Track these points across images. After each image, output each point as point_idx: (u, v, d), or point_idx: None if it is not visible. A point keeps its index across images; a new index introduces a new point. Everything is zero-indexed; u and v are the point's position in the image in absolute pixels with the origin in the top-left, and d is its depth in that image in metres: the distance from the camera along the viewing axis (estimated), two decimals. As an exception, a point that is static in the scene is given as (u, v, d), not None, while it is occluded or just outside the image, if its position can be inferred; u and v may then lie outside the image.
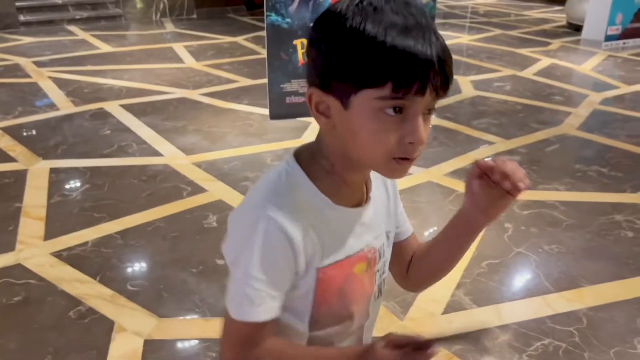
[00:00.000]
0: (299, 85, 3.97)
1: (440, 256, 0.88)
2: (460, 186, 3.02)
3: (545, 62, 5.92)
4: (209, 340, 1.89)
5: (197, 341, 1.90)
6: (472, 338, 0.85)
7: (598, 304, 2.12)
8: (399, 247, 0.91)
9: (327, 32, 0.67)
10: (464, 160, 3.37)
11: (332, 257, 0.75)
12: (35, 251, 2.39)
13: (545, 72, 5.50)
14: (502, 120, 4.15)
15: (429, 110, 0.68)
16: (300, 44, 3.88)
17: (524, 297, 2.16)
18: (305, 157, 0.75)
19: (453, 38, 7.10)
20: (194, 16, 8.26)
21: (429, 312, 2.06)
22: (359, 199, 0.79)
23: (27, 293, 2.13)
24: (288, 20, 3.80)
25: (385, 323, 1.98)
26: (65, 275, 2.22)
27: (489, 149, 3.58)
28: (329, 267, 0.75)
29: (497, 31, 7.67)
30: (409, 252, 0.93)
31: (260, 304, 0.70)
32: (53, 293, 2.12)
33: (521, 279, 2.30)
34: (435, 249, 0.89)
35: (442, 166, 3.30)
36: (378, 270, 0.84)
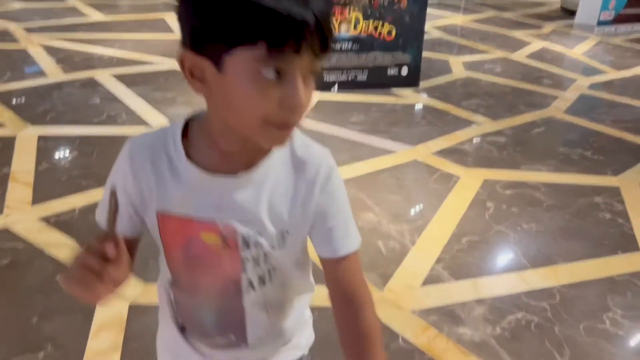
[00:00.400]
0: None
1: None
2: (445, 165, 3.07)
3: (536, 45, 5.94)
4: (192, 305, 1.94)
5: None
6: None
7: (572, 282, 2.19)
8: (323, 263, 0.80)
9: None
10: (450, 140, 3.42)
11: (171, 207, 0.74)
12: (22, 216, 2.41)
13: (537, 55, 5.52)
14: (490, 101, 4.19)
15: (309, 72, 0.64)
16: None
17: (501, 273, 2.23)
18: (194, 117, 0.76)
19: (447, 18, 7.08)
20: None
21: (407, 284, 2.12)
22: (232, 172, 0.73)
23: (14, 257, 2.15)
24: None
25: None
26: (53, 240, 2.25)
27: (475, 129, 3.62)
28: (169, 217, 0.75)
29: (491, 13, 7.66)
30: (330, 277, 0.80)
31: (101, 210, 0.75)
32: (40, 257, 2.15)
33: (499, 255, 2.36)
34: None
35: (428, 144, 3.34)
36: (249, 259, 0.77)
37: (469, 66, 5.02)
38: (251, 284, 0.79)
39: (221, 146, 0.71)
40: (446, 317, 1.96)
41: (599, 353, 1.85)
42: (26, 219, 2.39)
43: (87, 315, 1.88)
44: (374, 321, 0.80)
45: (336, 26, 3.98)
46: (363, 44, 4.10)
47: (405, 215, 2.59)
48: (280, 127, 0.65)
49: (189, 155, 0.73)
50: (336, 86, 4.15)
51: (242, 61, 0.61)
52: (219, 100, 0.66)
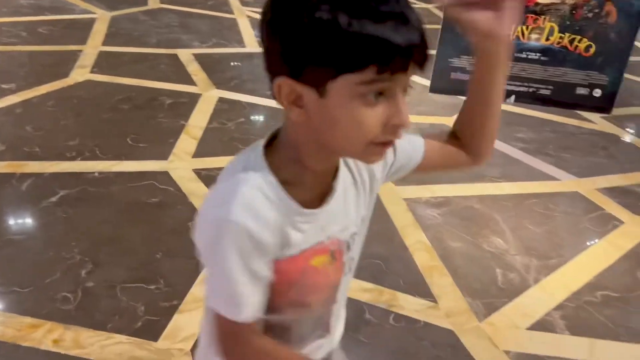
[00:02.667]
0: (468, 62, 3.81)
1: (478, 103, 0.82)
2: (609, 206, 2.71)
3: None
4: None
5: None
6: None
7: None
8: (429, 161, 0.85)
9: (295, 12, 0.60)
10: (627, 179, 2.99)
11: (285, 251, 0.72)
12: (182, 164, 2.73)
13: None
14: (698, 145, 3.54)
15: (405, 89, 0.64)
16: (479, 20, 3.70)
17: (630, 342, 1.92)
18: (273, 148, 0.72)
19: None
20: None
21: (512, 322, 1.94)
22: (324, 189, 0.75)
23: (164, 197, 2.47)
24: (472, -7, 3.63)
25: (463, 318, 1.93)
26: (197, 191, 2.52)
27: (664, 173, 3.11)
28: (282, 261, 0.72)
29: None
30: (443, 149, 0.86)
31: (246, 305, 0.70)
32: (183, 202, 2.44)
33: (636, 322, 2.02)
34: (470, 100, 0.83)
35: (598, 179, 2.97)
36: (347, 260, 0.81)
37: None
38: (344, 275, 0.83)
39: (314, 169, 0.71)
40: None
41: None
42: (184, 168, 2.71)
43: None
44: None
45: (526, 34, 3.71)
46: (553, 56, 3.75)
47: (540, 249, 2.36)
48: (385, 145, 0.67)
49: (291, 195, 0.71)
50: (513, 97, 3.87)
51: (348, 86, 0.61)
52: (320, 125, 0.66)
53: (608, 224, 2.57)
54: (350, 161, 0.78)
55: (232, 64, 4.19)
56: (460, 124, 0.86)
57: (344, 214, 0.77)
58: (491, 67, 0.77)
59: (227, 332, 0.73)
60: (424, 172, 0.88)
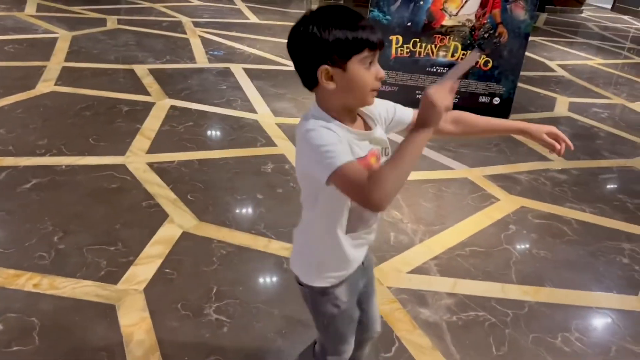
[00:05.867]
0: (387, 75, 4.45)
1: (482, 133, 1.52)
2: (491, 188, 3.35)
3: (667, 98, 5.68)
4: (224, 242, 2.55)
5: (216, 241, 2.57)
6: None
7: (547, 302, 2.41)
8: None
9: (323, 34, 1.12)
10: (510, 169, 3.65)
11: (357, 154, 1.19)
12: (137, 159, 3.23)
13: (659, 108, 5.32)
14: (575, 142, 4.16)
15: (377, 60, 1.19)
16: (395, 40, 4.35)
17: (485, 280, 2.52)
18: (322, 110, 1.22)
19: (580, 59, 6.97)
20: (341, 2, 8.95)
21: (396, 268, 2.52)
22: (361, 124, 1.26)
23: (121, 184, 2.96)
24: (388, 17, 4.29)
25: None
26: (150, 179, 3.03)
27: (542, 164, 3.79)
28: (358, 160, 1.14)
29: (637, 59, 7.33)
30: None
31: (340, 153, 1.08)
32: (137, 188, 2.93)
33: (492, 267, 2.62)
34: (474, 130, 1.48)
35: (486, 169, 3.62)
36: (383, 163, 1.26)
37: (575, 107, 5.05)
38: None
39: (343, 120, 1.20)
40: (414, 298, 2.34)
41: (534, 359, 2.09)
42: (138, 162, 3.20)
43: (152, 231, 2.58)
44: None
45: (435, 51, 4.38)
46: (458, 70, 4.43)
47: (428, 219, 2.96)
48: (374, 90, 1.19)
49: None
50: (427, 105, 4.53)
51: (357, 61, 1.14)
52: (344, 89, 1.15)
53: (486, 201, 3.21)
54: (371, 110, 1.30)
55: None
56: (458, 130, 1.45)
57: (374, 136, 1.27)
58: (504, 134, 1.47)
59: (350, 183, 1.06)
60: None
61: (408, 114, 1.38)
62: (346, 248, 1.32)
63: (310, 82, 1.19)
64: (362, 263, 1.42)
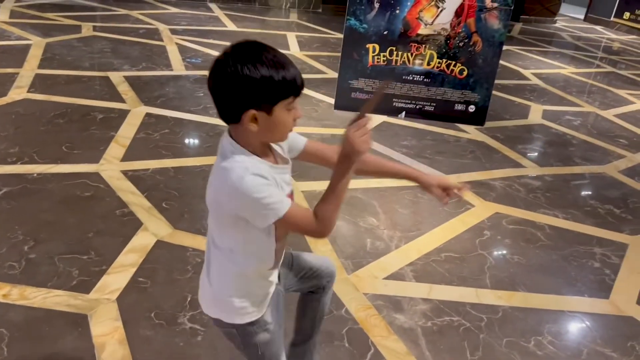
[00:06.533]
0: (365, 83, 4.49)
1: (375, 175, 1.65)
2: (467, 195, 3.38)
3: (638, 106, 5.82)
4: (199, 250, 2.53)
5: (191, 249, 2.55)
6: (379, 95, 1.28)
7: (521, 306, 2.44)
8: (307, 153, 1.44)
9: (253, 78, 1.12)
10: (485, 175, 3.70)
11: (284, 190, 1.26)
12: (111, 167, 3.19)
13: (629, 116, 5.45)
14: (548, 149, 4.34)
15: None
16: (372, 48, 4.39)
17: (460, 285, 2.54)
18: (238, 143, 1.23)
19: (554, 67, 7.11)
20: (319, 10, 9.01)
21: (373, 274, 2.52)
22: (272, 157, 1.29)
23: (95, 192, 2.92)
24: (365, 25, 4.33)
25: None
26: (124, 187, 2.99)
27: (516, 170, 3.85)
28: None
29: (609, 68, 7.50)
30: (315, 151, 1.45)
31: (281, 199, 1.17)
32: (111, 196, 2.90)
33: (467, 272, 2.65)
34: (374, 172, 1.56)
35: (461, 175, 3.65)
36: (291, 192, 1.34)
37: (549, 115, 5.15)
38: None
39: (261, 154, 1.24)
40: (390, 304, 2.35)
41: (508, 362, 2.12)
42: (112, 169, 3.17)
43: (126, 239, 2.55)
44: None
45: (411, 60, 4.43)
46: (434, 78, 4.49)
47: (404, 225, 2.98)
48: (291, 131, 1.25)
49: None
50: (403, 113, 4.57)
51: (282, 107, 1.17)
52: (265, 130, 1.18)
53: (462, 207, 3.24)
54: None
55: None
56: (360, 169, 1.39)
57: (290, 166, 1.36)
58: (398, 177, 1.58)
59: (301, 221, 1.21)
60: (306, 159, 1.46)
61: (300, 141, 1.44)
62: (269, 282, 1.40)
63: (231, 118, 1.20)
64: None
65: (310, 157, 1.47)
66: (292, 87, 1.17)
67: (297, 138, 1.43)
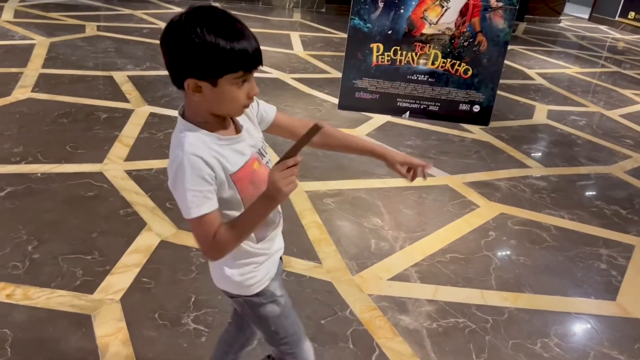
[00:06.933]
0: (369, 83, 4.47)
1: (340, 149, 1.53)
2: (471, 195, 3.36)
3: (643, 106, 5.79)
4: (203, 251, 2.52)
5: (194, 249, 2.54)
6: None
7: (527, 308, 2.42)
8: (277, 126, 1.40)
9: (197, 44, 1.04)
10: (490, 175, 3.68)
11: (237, 166, 1.19)
12: (115, 166, 3.19)
13: (634, 116, 5.42)
14: (553, 150, 4.31)
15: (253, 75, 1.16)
16: (376, 48, 4.37)
17: (465, 286, 2.52)
18: (187, 119, 1.17)
19: (559, 67, 7.08)
20: (323, 10, 8.99)
21: (377, 275, 2.51)
22: (231, 127, 1.23)
23: (98, 192, 2.91)
24: (369, 25, 4.31)
25: (340, 273, 2.48)
26: (128, 187, 2.98)
27: (521, 171, 3.82)
28: (238, 172, 1.19)
29: (614, 68, 7.46)
30: (285, 125, 1.41)
31: (201, 203, 1.11)
32: (115, 196, 2.89)
33: (472, 273, 2.63)
34: (336, 146, 1.50)
35: (466, 176, 3.63)
36: (268, 162, 1.30)
37: (554, 115, 5.12)
38: None
39: (213, 124, 1.17)
40: (395, 305, 2.33)
41: (514, 364, 2.10)
42: (116, 169, 3.16)
43: (130, 239, 2.54)
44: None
45: (415, 59, 4.41)
46: (439, 78, 4.47)
47: (408, 226, 2.96)
48: (246, 107, 1.17)
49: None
50: (408, 113, 4.56)
51: (229, 80, 1.09)
52: (212, 102, 1.11)
53: (467, 207, 3.22)
54: (252, 110, 1.32)
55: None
56: (319, 140, 1.39)
57: (250, 137, 1.26)
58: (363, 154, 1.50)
59: (201, 232, 1.14)
60: (276, 133, 1.41)
61: (270, 111, 1.38)
62: (262, 256, 1.34)
63: (176, 83, 1.15)
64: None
65: (280, 131, 1.42)
66: (242, 61, 1.08)
67: (267, 110, 1.37)
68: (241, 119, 1.28)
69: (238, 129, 1.25)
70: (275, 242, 1.39)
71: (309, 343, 1.49)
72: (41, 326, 2.00)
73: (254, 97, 1.21)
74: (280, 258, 1.45)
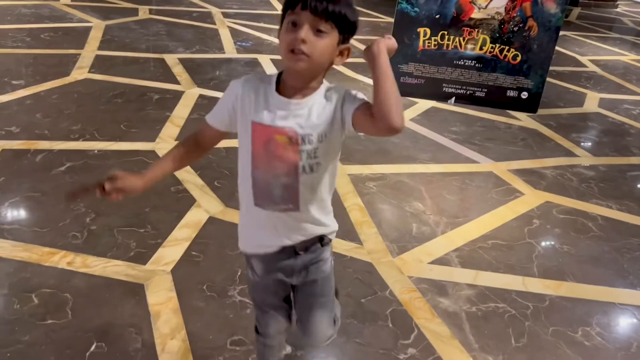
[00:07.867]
0: (414, 68, 4.45)
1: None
2: (515, 182, 3.34)
3: (703, 96, 5.54)
4: (249, 228, 2.61)
5: (241, 227, 2.63)
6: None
7: (569, 296, 2.41)
8: (360, 119, 1.18)
9: None
10: (536, 163, 3.63)
11: (260, 119, 1.21)
12: (166, 145, 3.31)
13: (693, 106, 5.20)
14: (604, 139, 4.20)
15: (320, 31, 1.13)
16: (422, 32, 4.35)
17: (507, 272, 2.52)
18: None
19: (614, 54, 6.83)
20: (370, -6, 8.93)
21: (418, 258, 2.54)
22: (296, 96, 1.21)
23: (151, 169, 3.04)
24: (416, 9, 4.28)
25: (380, 255, 2.53)
26: (178, 165, 3.10)
27: (569, 159, 3.75)
28: (257, 125, 1.21)
29: (673, 56, 7.15)
30: (366, 121, 1.17)
31: (214, 111, 1.32)
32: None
33: (514, 260, 2.63)
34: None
35: (511, 163, 3.60)
36: (304, 151, 1.21)
37: (606, 103, 4.97)
38: (304, 169, 1.24)
39: (286, 80, 1.21)
40: (435, 288, 2.36)
41: (553, 351, 2.10)
42: (167, 148, 3.26)
43: (180, 215, 2.66)
44: None
45: (463, 44, 4.36)
46: (486, 63, 4.41)
47: (451, 211, 2.97)
48: (293, 52, 1.13)
49: (278, 91, 1.22)
50: (453, 99, 4.52)
51: (286, 20, 1.15)
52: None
53: (511, 195, 3.20)
54: (329, 94, 1.23)
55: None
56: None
57: (306, 117, 1.21)
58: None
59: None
60: (360, 131, 1.22)
61: (348, 112, 1.20)
62: (249, 219, 1.39)
63: None
64: (295, 251, 1.39)
65: (362, 128, 1.22)
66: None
67: (348, 111, 1.20)
68: (318, 104, 1.22)
69: (290, 94, 1.21)
70: (270, 234, 1.37)
71: (269, 331, 1.61)
72: (98, 292, 2.13)
73: (301, 51, 1.12)
74: (289, 258, 1.41)
